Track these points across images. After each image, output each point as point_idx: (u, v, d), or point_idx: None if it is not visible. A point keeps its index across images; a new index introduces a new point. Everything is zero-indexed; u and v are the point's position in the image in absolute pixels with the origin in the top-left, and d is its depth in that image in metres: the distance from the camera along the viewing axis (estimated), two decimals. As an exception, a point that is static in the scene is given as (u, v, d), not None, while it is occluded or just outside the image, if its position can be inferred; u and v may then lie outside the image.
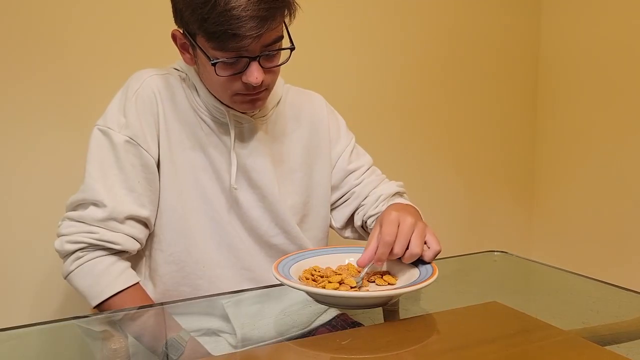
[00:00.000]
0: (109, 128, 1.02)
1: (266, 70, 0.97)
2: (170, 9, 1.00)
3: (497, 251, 1.23)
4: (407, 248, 0.87)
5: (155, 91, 1.04)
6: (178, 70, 1.09)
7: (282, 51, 1.00)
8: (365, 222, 1.19)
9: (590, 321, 0.91)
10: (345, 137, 1.23)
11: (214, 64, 0.94)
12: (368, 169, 1.23)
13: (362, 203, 1.19)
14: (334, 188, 1.21)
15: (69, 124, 1.44)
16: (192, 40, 0.97)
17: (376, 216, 1.16)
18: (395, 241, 0.86)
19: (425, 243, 0.90)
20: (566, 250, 2.13)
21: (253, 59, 0.94)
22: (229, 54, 0.93)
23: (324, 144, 1.19)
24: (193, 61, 1.03)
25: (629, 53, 1.87)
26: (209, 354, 0.84)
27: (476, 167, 2.13)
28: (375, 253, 0.87)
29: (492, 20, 2.08)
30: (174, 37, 1.02)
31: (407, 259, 0.87)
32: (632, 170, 1.89)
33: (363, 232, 1.22)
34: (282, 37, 0.98)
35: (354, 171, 1.21)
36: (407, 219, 0.88)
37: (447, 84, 2.02)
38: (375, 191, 1.19)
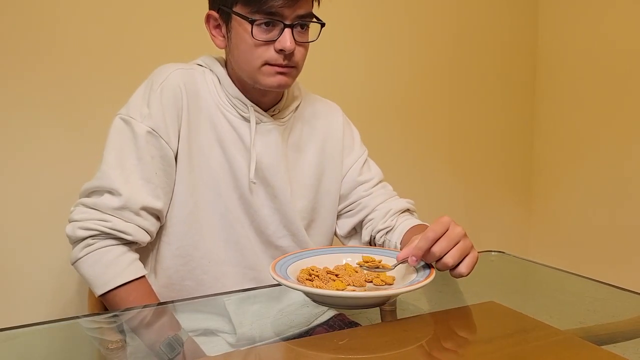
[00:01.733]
0: (131, 117, 1.03)
1: (297, 43, 1.02)
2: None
3: (494, 251, 1.23)
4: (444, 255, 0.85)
5: (181, 85, 1.05)
6: (202, 65, 1.11)
7: (312, 33, 1.07)
8: (374, 237, 1.19)
9: (587, 321, 0.91)
10: (359, 149, 1.24)
11: (252, 22, 0.99)
12: (378, 183, 1.23)
13: (370, 217, 1.19)
14: (342, 197, 1.22)
15: (66, 123, 1.44)
16: (229, 12, 1.02)
17: (385, 231, 1.16)
18: (438, 240, 0.84)
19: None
20: (563, 250, 2.14)
21: (288, 25, 1.00)
22: (266, 17, 0.99)
23: (336, 153, 1.20)
24: (224, 43, 1.07)
25: (626, 54, 1.88)
26: (205, 354, 0.84)
27: (474, 167, 2.13)
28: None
29: (491, 22, 2.08)
30: (207, 18, 1.07)
31: (440, 266, 0.86)
32: (629, 170, 1.89)
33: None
34: (312, 15, 1.05)
35: (363, 183, 1.22)
36: (457, 228, 0.86)
37: (445, 85, 2.03)
38: (383, 205, 1.19)
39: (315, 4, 1.06)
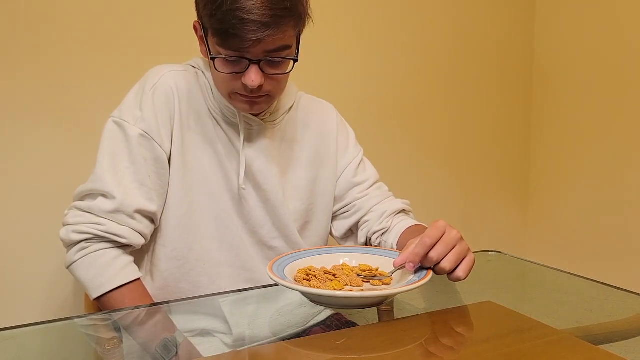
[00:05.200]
0: (124, 120, 1.02)
1: (267, 76, 0.99)
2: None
3: (491, 251, 1.23)
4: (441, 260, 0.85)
5: (173, 87, 1.05)
6: (194, 67, 1.10)
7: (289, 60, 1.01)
8: (370, 238, 1.18)
9: (584, 320, 0.92)
10: (354, 149, 1.23)
11: (212, 59, 0.97)
12: (374, 184, 1.22)
13: (366, 219, 1.19)
14: (337, 199, 1.21)
15: (63, 125, 1.44)
16: (204, 33, 1.00)
17: (381, 232, 1.16)
18: (434, 245, 0.84)
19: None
20: (560, 250, 2.14)
21: (254, 62, 0.96)
22: (231, 53, 0.95)
23: (331, 154, 1.19)
24: (207, 54, 1.05)
25: (623, 54, 1.88)
26: (201, 355, 0.84)
27: (471, 167, 2.13)
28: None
29: (487, 23, 2.08)
30: (194, 28, 1.05)
31: (437, 271, 0.86)
32: (625, 170, 1.90)
33: None
34: (289, 46, 0.98)
35: (358, 184, 1.21)
36: (453, 232, 0.86)
37: (442, 85, 2.03)
38: (379, 207, 1.19)
39: (297, 30, 0.99)
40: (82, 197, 1.03)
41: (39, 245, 1.43)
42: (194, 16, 1.07)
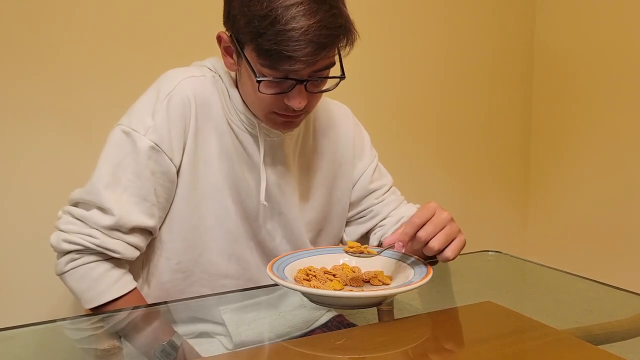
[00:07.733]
0: (133, 130, 0.94)
1: (310, 94, 0.93)
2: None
3: (491, 251, 1.23)
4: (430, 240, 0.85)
5: (190, 96, 0.97)
6: (211, 70, 1.03)
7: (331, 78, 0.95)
8: (382, 242, 1.17)
9: (584, 321, 0.92)
10: (369, 154, 1.19)
11: (259, 82, 0.89)
12: (389, 189, 1.20)
13: (382, 224, 1.17)
14: (352, 205, 1.17)
15: (66, 125, 1.44)
16: (239, 49, 0.91)
17: None
18: (423, 225, 0.84)
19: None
20: (560, 249, 2.14)
21: (300, 82, 0.89)
22: (277, 74, 0.88)
23: (347, 159, 1.15)
24: (234, 67, 0.97)
25: (624, 54, 1.88)
26: (200, 356, 0.84)
27: (471, 167, 2.13)
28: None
29: (487, 21, 2.08)
30: (219, 38, 0.96)
31: (426, 251, 0.87)
32: (626, 170, 1.90)
33: None
34: (333, 63, 0.93)
35: (375, 190, 1.18)
36: (443, 213, 0.86)
37: (442, 84, 2.03)
38: (395, 212, 1.17)
39: (343, 48, 0.94)
40: (76, 203, 0.98)
41: (39, 245, 1.43)
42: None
